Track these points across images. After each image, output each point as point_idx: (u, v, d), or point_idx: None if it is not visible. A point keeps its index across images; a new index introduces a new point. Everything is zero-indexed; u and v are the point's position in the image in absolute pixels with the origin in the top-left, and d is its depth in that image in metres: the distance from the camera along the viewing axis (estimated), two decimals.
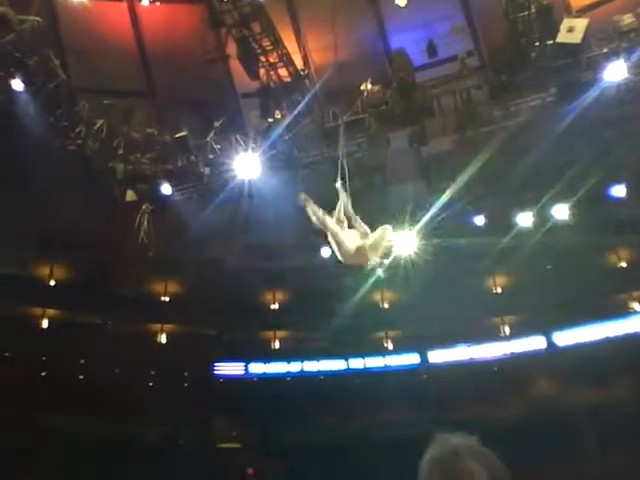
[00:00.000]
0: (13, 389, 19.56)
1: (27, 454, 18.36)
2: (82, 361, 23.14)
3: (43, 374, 22.55)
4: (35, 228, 19.27)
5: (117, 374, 23.08)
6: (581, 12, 15.94)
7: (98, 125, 16.00)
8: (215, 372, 25.19)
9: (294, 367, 25.66)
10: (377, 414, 22.75)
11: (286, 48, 16.87)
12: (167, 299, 25.15)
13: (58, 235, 19.79)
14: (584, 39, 13.40)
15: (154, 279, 24.72)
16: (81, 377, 23.00)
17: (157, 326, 25.27)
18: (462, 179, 16.22)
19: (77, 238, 20.01)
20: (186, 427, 22.95)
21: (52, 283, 23.18)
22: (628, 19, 13.79)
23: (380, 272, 7.98)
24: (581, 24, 13.47)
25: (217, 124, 16.68)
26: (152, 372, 24.52)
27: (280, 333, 26.46)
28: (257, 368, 25.67)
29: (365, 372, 24.94)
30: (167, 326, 25.31)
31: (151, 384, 24.30)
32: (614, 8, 15.79)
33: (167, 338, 25.22)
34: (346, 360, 24.92)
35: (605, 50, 13.84)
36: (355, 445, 21.75)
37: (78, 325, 23.15)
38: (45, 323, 22.97)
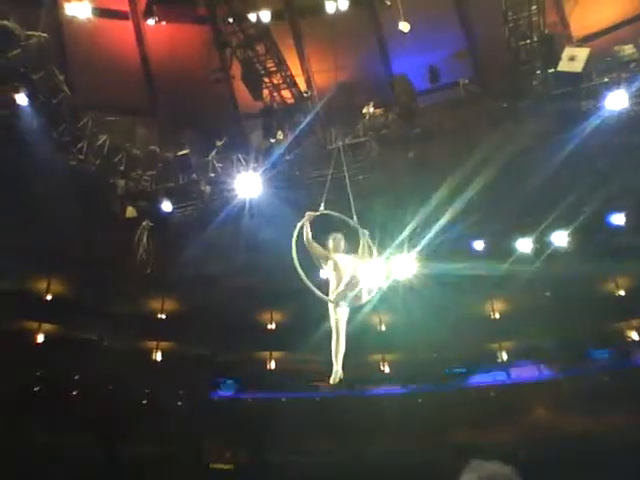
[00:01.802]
0: (6, 404, 19.38)
1: (19, 469, 18.13)
2: (77, 377, 22.97)
3: (37, 389, 22.36)
4: (33, 242, 19.22)
5: (111, 391, 22.89)
6: (582, 42, 16.15)
7: (100, 141, 16.09)
8: (210, 392, 25.00)
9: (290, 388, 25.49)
10: (372, 438, 22.54)
11: (290, 70, 17.05)
12: (164, 317, 25.01)
13: (56, 249, 19.72)
14: (585, 68, 13.56)
15: (151, 296, 24.60)
16: (75, 393, 22.81)
17: (153, 344, 25.11)
18: (462, 204, 16.27)
19: (75, 253, 19.95)
20: (179, 446, 22.70)
21: (49, 298, 23.06)
22: (629, 50, 13.97)
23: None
24: (582, 53, 13.64)
25: (219, 143, 16.78)
26: (146, 390, 24.32)
27: (276, 354, 26.32)
28: (252, 388, 25.47)
29: (361, 395, 24.77)
30: (163, 344, 25.15)
31: (145, 402, 24.10)
32: (615, 38, 16.01)
33: (162, 356, 25.05)
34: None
35: (606, 80, 13.98)
36: (349, 469, 21.52)
37: (74, 341, 23.00)
38: (41, 338, 22.81)
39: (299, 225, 7.84)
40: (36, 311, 22.46)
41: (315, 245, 7.93)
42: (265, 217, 17.09)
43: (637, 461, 17.70)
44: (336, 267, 7.63)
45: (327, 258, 7.86)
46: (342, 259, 7.76)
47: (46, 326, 23.00)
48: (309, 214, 7.95)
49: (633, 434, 19.09)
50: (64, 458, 19.47)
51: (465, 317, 22.81)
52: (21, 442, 19.07)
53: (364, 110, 16.46)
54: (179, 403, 24.62)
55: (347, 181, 10.24)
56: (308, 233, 7.84)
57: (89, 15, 16.29)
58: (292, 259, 7.63)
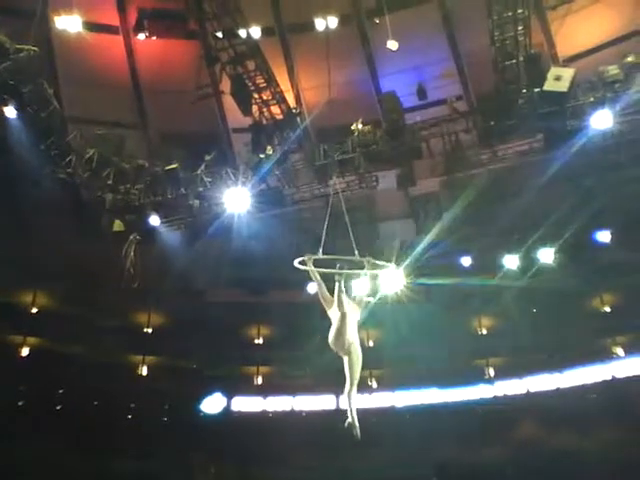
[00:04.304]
0: None
1: None
2: (61, 391, 22.73)
3: (21, 403, 22.10)
4: (19, 254, 19.12)
5: (96, 406, 22.67)
6: (568, 62, 16.40)
7: (89, 155, 16.05)
8: (196, 406, 24.81)
9: (277, 403, 25.36)
10: (360, 454, 22.42)
11: (279, 86, 17.16)
12: (150, 331, 24.87)
13: (42, 262, 19.62)
14: (570, 88, 13.74)
15: (138, 310, 24.48)
16: (59, 407, 22.56)
17: (139, 358, 24.93)
18: (449, 220, 16.40)
19: (62, 266, 19.85)
20: (164, 461, 22.46)
21: (34, 311, 22.88)
22: (613, 70, 14.18)
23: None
24: (568, 73, 13.84)
25: (208, 158, 16.79)
26: (132, 405, 24.09)
27: (263, 369, 26.21)
28: (239, 403, 25.32)
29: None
30: (149, 358, 24.97)
31: (130, 417, 23.86)
32: (600, 58, 16.28)
33: (148, 370, 24.87)
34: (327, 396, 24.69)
35: (591, 99, 14.18)
36: None
37: (58, 354, 22.77)
38: (25, 351, 22.60)
39: (298, 260, 7.81)
40: (21, 324, 22.27)
41: (325, 291, 7.86)
42: (253, 232, 17.12)
43: (622, 477, 17.82)
44: (342, 318, 7.54)
45: (332, 303, 7.79)
46: (347, 305, 7.66)
47: (31, 340, 22.78)
48: (309, 257, 7.86)
49: (620, 451, 19.16)
50: (48, 473, 19.21)
51: (453, 333, 22.86)
52: (4, 457, 18.79)
53: (353, 126, 16.57)
54: (165, 418, 24.40)
55: (344, 210, 10.24)
56: (317, 276, 7.80)
57: (79, 29, 16.34)
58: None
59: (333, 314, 7.67)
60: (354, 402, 7.65)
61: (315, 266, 7.87)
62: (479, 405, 24.04)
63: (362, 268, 8.19)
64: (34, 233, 18.69)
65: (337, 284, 7.51)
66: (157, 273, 18.80)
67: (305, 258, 7.84)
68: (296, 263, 7.82)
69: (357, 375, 7.72)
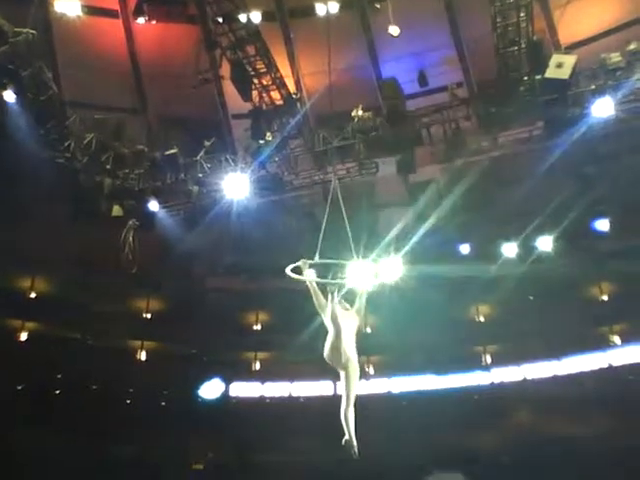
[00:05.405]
0: None
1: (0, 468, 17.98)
2: (59, 376, 22.81)
3: (20, 387, 22.18)
4: (17, 239, 19.09)
5: (95, 390, 22.77)
6: (569, 49, 16.32)
7: (88, 139, 16.00)
8: (194, 392, 24.92)
9: (275, 389, 25.47)
10: (357, 440, 22.55)
11: (279, 71, 17.07)
12: (149, 316, 24.92)
13: (41, 247, 19.60)
14: (572, 75, 13.70)
15: (137, 295, 24.50)
16: (58, 392, 22.65)
17: (137, 343, 25.01)
18: (448, 207, 16.39)
19: (60, 251, 19.85)
20: (162, 446, 22.60)
21: (32, 296, 22.90)
22: (615, 57, 14.15)
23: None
24: (570, 60, 13.79)
25: (207, 143, 16.74)
26: (130, 389, 24.19)
27: (261, 354, 26.30)
28: (237, 389, 25.43)
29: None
30: (148, 343, 25.05)
31: (129, 401, 23.97)
32: (602, 46, 16.20)
33: (147, 355, 24.96)
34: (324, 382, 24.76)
35: (592, 87, 14.15)
36: (332, 471, 21.51)
37: (57, 339, 22.84)
38: (24, 336, 22.66)
39: (291, 267, 7.49)
40: (20, 309, 22.30)
41: (321, 299, 7.40)
42: (252, 218, 17.10)
43: (619, 465, 17.95)
44: (336, 334, 7.25)
45: (326, 309, 7.43)
46: (342, 317, 7.34)
47: (30, 324, 22.84)
48: (304, 261, 7.51)
49: (616, 438, 19.29)
50: (46, 457, 19.33)
51: (450, 320, 22.91)
52: (2, 441, 18.91)
53: (353, 113, 16.50)
54: (163, 403, 24.50)
55: (340, 199, 10.09)
56: (313, 284, 7.42)
57: (78, 12, 16.20)
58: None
59: (329, 322, 7.28)
60: (351, 419, 7.33)
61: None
62: (476, 392, 24.16)
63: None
64: (32, 218, 18.65)
65: (330, 295, 7.11)
66: (156, 259, 18.80)
67: (300, 264, 7.50)
68: (288, 271, 7.46)
69: (354, 390, 7.38)
